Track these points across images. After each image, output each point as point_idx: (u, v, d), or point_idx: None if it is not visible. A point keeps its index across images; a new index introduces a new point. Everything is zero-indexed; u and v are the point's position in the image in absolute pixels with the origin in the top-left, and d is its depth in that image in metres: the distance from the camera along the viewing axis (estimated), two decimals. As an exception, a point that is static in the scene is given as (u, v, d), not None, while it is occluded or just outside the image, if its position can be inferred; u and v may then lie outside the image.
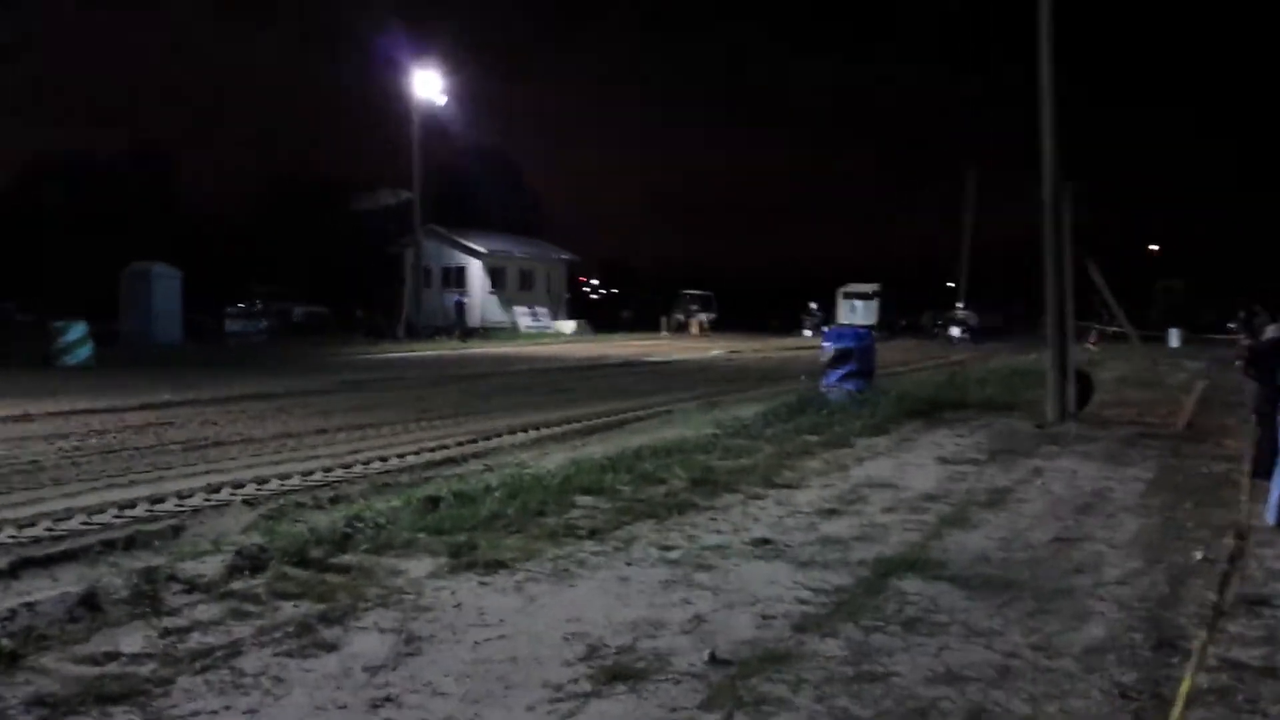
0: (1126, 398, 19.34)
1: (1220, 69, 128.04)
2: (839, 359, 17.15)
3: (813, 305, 54.84)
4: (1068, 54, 16.18)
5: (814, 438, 12.78)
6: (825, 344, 17.83)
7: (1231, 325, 34.90)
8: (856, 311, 52.75)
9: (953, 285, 62.47)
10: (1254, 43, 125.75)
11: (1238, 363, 13.13)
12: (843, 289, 55.53)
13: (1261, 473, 9.16)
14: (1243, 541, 7.50)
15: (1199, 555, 7.39)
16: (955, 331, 51.27)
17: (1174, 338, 43.29)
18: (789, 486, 9.80)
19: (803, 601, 6.08)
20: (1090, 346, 34.46)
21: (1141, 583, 6.74)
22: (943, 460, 11.58)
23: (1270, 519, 8.44)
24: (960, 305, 55.59)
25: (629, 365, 28.85)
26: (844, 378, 16.91)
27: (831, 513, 8.65)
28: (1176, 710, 4.07)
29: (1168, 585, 6.69)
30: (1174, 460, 11.96)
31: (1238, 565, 6.79)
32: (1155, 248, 76.17)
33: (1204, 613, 5.94)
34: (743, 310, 64.43)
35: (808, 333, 49.77)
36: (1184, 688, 4.35)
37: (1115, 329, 34.58)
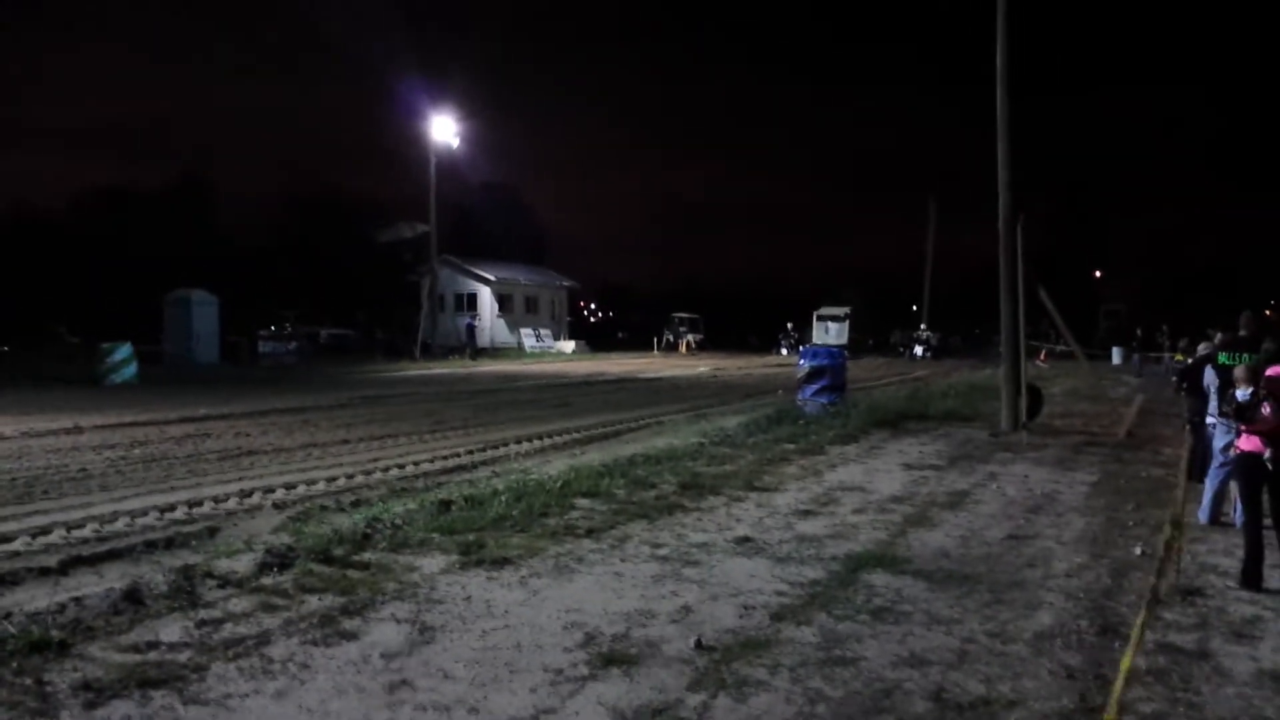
0: (1073, 409, 19.37)
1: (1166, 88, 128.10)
2: (814, 375, 17.18)
3: (789, 326, 55.08)
4: (1022, 72, 16.29)
5: (791, 446, 12.78)
6: (801, 361, 17.85)
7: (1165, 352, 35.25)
8: (829, 332, 52.75)
9: (915, 308, 62.67)
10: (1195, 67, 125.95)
11: (1173, 378, 13.14)
12: (817, 311, 55.53)
13: (1195, 476, 9.18)
14: (1178, 538, 7.51)
15: (1139, 551, 7.41)
16: (918, 350, 51.65)
17: (1116, 355, 43.42)
18: (768, 490, 9.80)
19: (780, 593, 6.08)
20: (1040, 363, 34.50)
21: (1087, 575, 6.75)
22: (907, 466, 11.58)
23: (1203, 518, 8.46)
24: (923, 326, 55.93)
25: (623, 381, 28.82)
26: (818, 392, 16.94)
27: (807, 513, 8.64)
28: (1117, 689, 4.06)
29: (1110, 578, 6.70)
30: (1116, 465, 11.97)
31: (1173, 560, 6.79)
32: (1099, 273, 76.22)
33: (1143, 602, 5.94)
34: (728, 330, 64.50)
35: (784, 351, 49.91)
36: (1124, 668, 4.35)
37: (1063, 348, 34.71)
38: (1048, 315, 18.85)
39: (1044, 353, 38.25)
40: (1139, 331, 41.47)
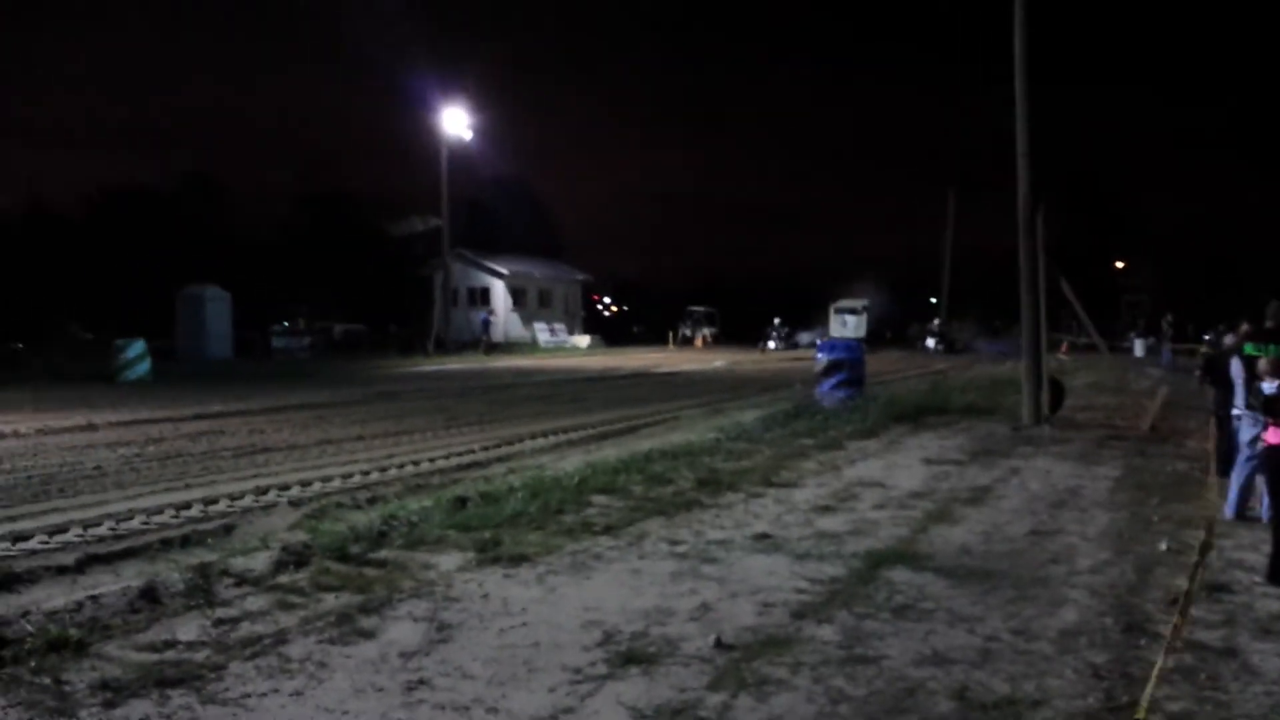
0: (1096, 403, 19.28)
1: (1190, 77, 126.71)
2: (831, 369, 17.13)
3: (776, 320, 54.06)
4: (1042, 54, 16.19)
5: (809, 441, 12.75)
6: (819, 355, 17.80)
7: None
8: (847, 325, 52.52)
9: (935, 300, 62.38)
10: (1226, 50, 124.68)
11: (1197, 372, 13.06)
12: (834, 304, 55.31)
13: (1222, 470, 9.13)
14: (1204, 533, 7.47)
15: (1164, 546, 7.36)
16: (930, 343, 51.46)
17: (1139, 347, 43.19)
18: (787, 485, 9.79)
19: (800, 591, 6.07)
20: (1061, 356, 34.34)
21: (1111, 572, 6.71)
22: (928, 461, 11.54)
23: (1229, 513, 8.40)
24: (936, 320, 55.60)
25: (639, 376, 28.83)
26: (836, 386, 16.89)
27: (826, 509, 8.63)
28: (1149, 689, 4.04)
29: (1135, 574, 6.66)
30: (1140, 460, 11.91)
31: (1200, 555, 6.76)
32: (1121, 264, 75.63)
33: (1169, 599, 5.92)
34: (744, 323, 64.29)
35: (772, 345, 49.35)
36: (1156, 668, 4.33)
37: (1085, 340, 34.55)
38: (1070, 307, 18.77)
39: (1066, 345, 38.07)
40: (1163, 323, 41.28)
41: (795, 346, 49.88)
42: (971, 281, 62.89)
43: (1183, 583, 6.23)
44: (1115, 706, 4.34)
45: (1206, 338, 17.16)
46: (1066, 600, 6.00)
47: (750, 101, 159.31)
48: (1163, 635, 5.25)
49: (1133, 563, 6.96)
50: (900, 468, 11.02)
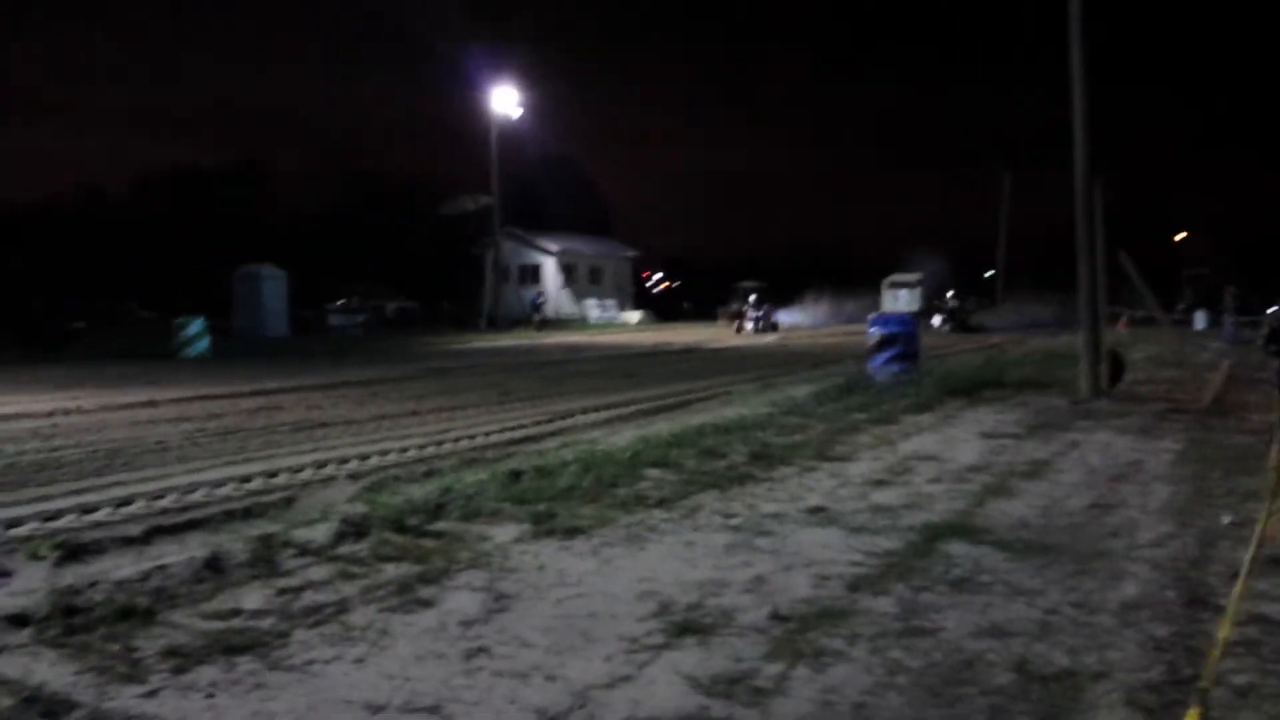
0: (1156, 376, 18.94)
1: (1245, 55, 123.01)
2: (884, 343, 17.00)
3: (751, 297, 47.22)
4: (1099, 35, 15.83)
5: (863, 415, 12.67)
6: (871, 329, 17.67)
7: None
8: (900, 300, 51.99)
9: (988, 274, 61.57)
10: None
11: (1258, 342, 12.80)
12: (887, 279, 54.84)
13: (1286, 443, 8.95)
14: (1269, 506, 7.33)
15: (1227, 520, 7.24)
16: (936, 320, 46.21)
17: (1199, 320, 42.40)
18: (840, 460, 9.74)
19: (855, 564, 6.05)
20: (1120, 330, 33.77)
21: (1173, 545, 6.61)
22: (984, 435, 11.42)
23: (1294, 486, 8.24)
24: (950, 294, 50.07)
25: (689, 351, 28.80)
26: (889, 360, 16.77)
27: (881, 483, 8.58)
28: (1213, 660, 3.99)
29: (1198, 547, 6.56)
30: (1202, 433, 11.69)
31: (1264, 529, 6.63)
32: (1183, 234, 74.05)
33: (1232, 572, 5.82)
34: (795, 299, 63.82)
35: (749, 326, 44.25)
36: (1221, 638, 4.27)
37: (1144, 314, 33.93)
38: (1128, 280, 18.44)
39: (1125, 319, 37.41)
40: (1226, 295, 40.41)
41: (774, 329, 44.74)
42: (1030, 258, 61.65)
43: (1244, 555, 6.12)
44: (1179, 680, 4.28)
45: (1272, 310, 16.81)
46: (1127, 574, 5.92)
47: (799, 75, 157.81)
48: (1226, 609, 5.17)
49: (1195, 536, 6.84)
50: (956, 441, 10.92)
